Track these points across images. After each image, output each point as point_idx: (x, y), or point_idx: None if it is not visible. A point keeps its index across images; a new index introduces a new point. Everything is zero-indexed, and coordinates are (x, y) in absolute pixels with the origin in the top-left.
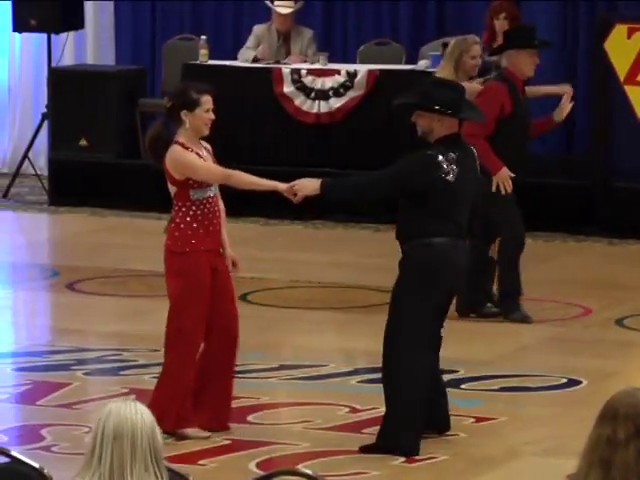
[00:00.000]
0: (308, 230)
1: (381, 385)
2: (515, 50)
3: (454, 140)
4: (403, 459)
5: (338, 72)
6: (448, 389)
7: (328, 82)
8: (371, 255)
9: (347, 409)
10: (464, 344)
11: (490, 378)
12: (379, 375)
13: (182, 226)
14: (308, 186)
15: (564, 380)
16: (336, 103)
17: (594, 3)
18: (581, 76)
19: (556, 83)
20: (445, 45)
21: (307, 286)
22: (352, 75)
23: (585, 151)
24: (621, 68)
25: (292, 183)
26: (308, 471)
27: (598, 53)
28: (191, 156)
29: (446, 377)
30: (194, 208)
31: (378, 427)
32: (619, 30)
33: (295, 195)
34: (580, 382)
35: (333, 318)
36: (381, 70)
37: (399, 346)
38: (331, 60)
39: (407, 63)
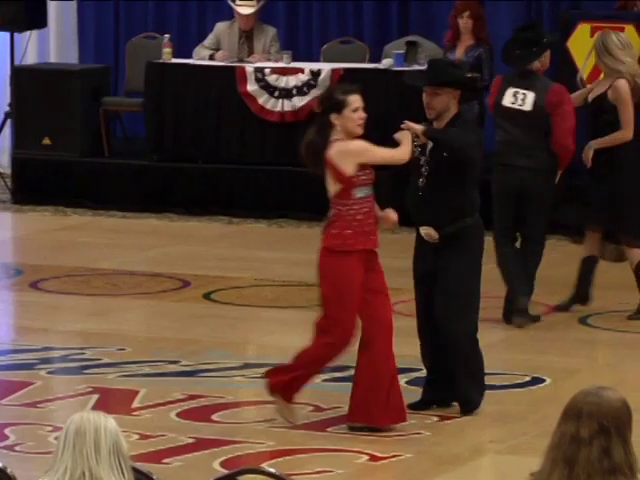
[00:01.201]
0: (272, 229)
1: (346, 384)
2: None
3: (459, 118)
4: (368, 457)
5: (302, 71)
6: (413, 387)
7: (292, 81)
8: None
9: (311, 407)
10: None
11: None
12: (343, 374)
13: (338, 225)
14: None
15: (528, 378)
16: (300, 102)
17: (557, 2)
18: (546, 75)
19: None
20: (409, 44)
21: (272, 284)
22: (316, 74)
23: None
24: (587, 67)
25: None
26: (272, 470)
27: (561, 52)
28: (362, 141)
29: (411, 376)
30: (355, 207)
31: (342, 425)
32: (582, 29)
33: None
34: (544, 380)
35: (298, 316)
36: (345, 69)
37: (464, 316)
38: (295, 59)
39: (371, 62)
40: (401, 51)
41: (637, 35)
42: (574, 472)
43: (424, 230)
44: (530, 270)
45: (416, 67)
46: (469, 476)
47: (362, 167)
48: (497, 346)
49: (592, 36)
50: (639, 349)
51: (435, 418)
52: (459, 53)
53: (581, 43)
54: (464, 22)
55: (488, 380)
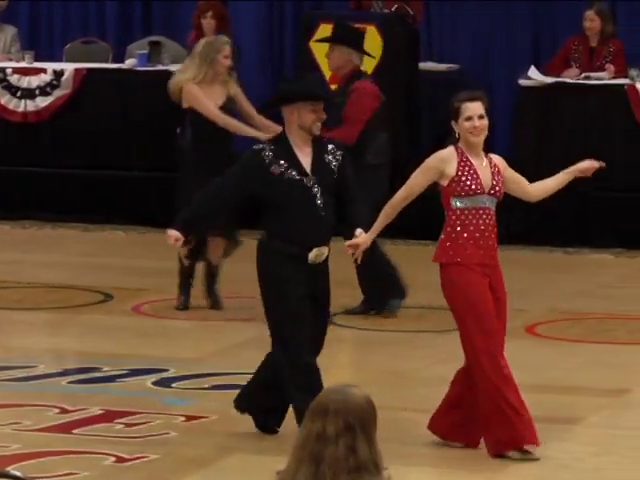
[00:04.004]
0: (16, 230)
1: (91, 385)
2: None
3: None
4: (114, 459)
5: (44, 71)
6: (159, 388)
7: (34, 81)
8: (79, 254)
9: (57, 410)
10: (174, 342)
11: (200, 377)
12: (89, 375)
13: (442, 236)
14: None
15: None
16: (43, 102)
17: (300, 2)
18: (288, 74)
19: (263, 81)
20: (152, 44)
21: (16, 286)
22: (59, 74)
23: None
24: (326, 67)
25: None
26: (17, 473)
27: (304, 51)
28: None
29: (157, 376)
30: (454, 218)
31: (88, 427)
32: (324, 29)
33: None
34: None
35: (43, 319)
36: (88, 69)
37: None
38: (37, 59)
39: (114, 62)
40: (144, 51)
41: (379, 35)
42: (320, 470)
43: (320, 251)
44: None
45: (160, 67)
46: (216, 476)
47: None
48: (242, 346)
49: None
50: (381, 346)
51: (182, 418)
52: None
53: (323, 43)
54: (207, 22)
55: (235, 380)
